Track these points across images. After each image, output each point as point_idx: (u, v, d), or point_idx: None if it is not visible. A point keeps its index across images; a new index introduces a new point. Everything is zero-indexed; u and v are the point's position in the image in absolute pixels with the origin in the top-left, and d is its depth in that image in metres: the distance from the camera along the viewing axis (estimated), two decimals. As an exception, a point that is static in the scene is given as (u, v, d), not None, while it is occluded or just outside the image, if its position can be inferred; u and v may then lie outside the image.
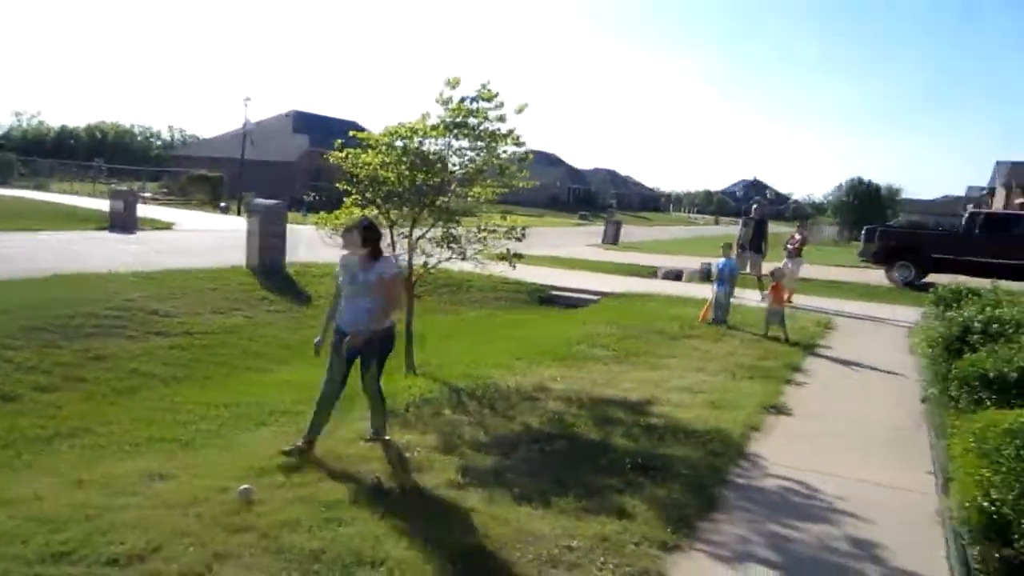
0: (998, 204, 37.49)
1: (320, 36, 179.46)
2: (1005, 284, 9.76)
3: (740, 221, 16.46)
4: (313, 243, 8.48)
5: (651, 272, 19.69)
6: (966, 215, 21.17)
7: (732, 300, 11.57)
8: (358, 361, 5.11)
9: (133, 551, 3.62)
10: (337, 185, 7.67)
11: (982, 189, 49.12)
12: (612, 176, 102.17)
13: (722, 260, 11.59)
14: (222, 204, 37.62)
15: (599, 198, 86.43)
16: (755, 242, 15.03)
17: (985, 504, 3.71)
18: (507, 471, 4.88)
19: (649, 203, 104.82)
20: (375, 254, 5.00)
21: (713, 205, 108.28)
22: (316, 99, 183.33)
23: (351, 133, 7.70)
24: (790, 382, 8.07)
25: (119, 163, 56.42)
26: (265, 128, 50.27)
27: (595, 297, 14.69)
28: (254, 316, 11.84)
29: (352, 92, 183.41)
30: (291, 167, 46.60)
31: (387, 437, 5.30)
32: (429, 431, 5.64)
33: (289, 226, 15.62)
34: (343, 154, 7.42)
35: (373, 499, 4.38)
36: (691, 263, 20.11)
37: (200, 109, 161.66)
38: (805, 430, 6.42)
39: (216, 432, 6.08)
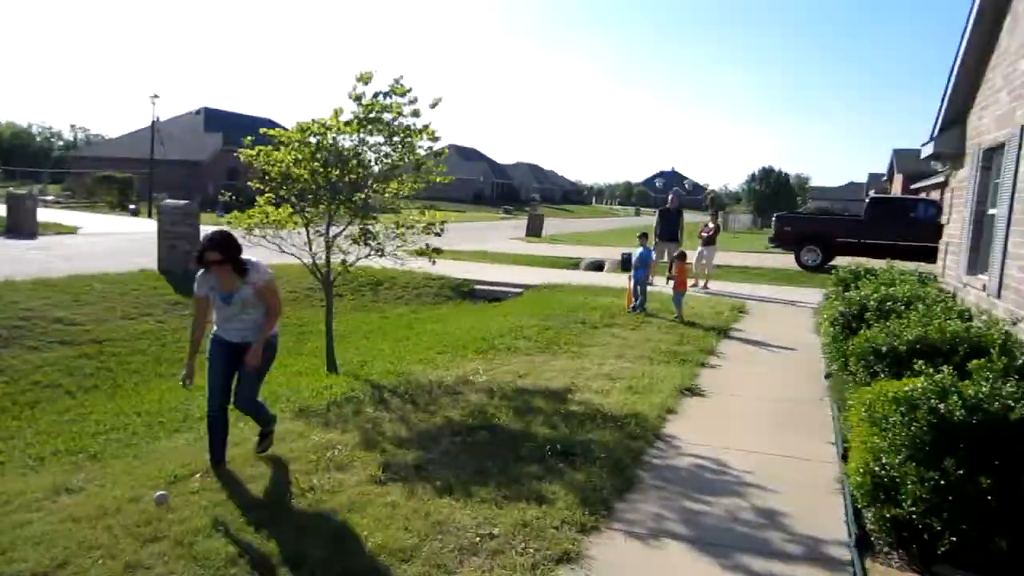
0: (895, 190, 39.72)
1: (232, 31, 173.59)
2: (900, 264, 10.34)
3: (657, 212, 16.94)
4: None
5: (573, 264, 20.01)
6: (866, 201, 22.40)
7: (649, 288, 11.91)
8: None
9: (36, 569, 3.49)
10: (250, 184, 7.50)
11: (881, 176, 51.81)
12: (534, 170, 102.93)
13: (639, 249, 11.90)
14: (131, 206, 36.01)
15: (522, 192, 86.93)
16: (671, 231, 15.54)
17: (875, 469, 3.98)
18: (429, 464, 4.90)
19: (571, 196, 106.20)
20: (241, 266, 4.74)
21: (633, 196, 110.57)
22: (229, 96, 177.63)
23: (261, 130, 7.53)
24: (705, 365, 8.38)
25: (16, 164, 53.16)
26: (176, 127, 48.44)
27: (518, 290, 14.83)
28: (166, 321, 11.44)
29: (267, 89, 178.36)
30: (204, 166, 45.06)
31: (269, 444, 5.10)
32: (350, 429, 5.61)
33: (203, 227, 15.12)
34: (254, 152, 7.25)
35: (292, 500, 4.34)
36: (611, 253, 20.52)
37: (105, 108, 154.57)
38: (718, 409, 6.69)
39: (127, 442, 5.88)
